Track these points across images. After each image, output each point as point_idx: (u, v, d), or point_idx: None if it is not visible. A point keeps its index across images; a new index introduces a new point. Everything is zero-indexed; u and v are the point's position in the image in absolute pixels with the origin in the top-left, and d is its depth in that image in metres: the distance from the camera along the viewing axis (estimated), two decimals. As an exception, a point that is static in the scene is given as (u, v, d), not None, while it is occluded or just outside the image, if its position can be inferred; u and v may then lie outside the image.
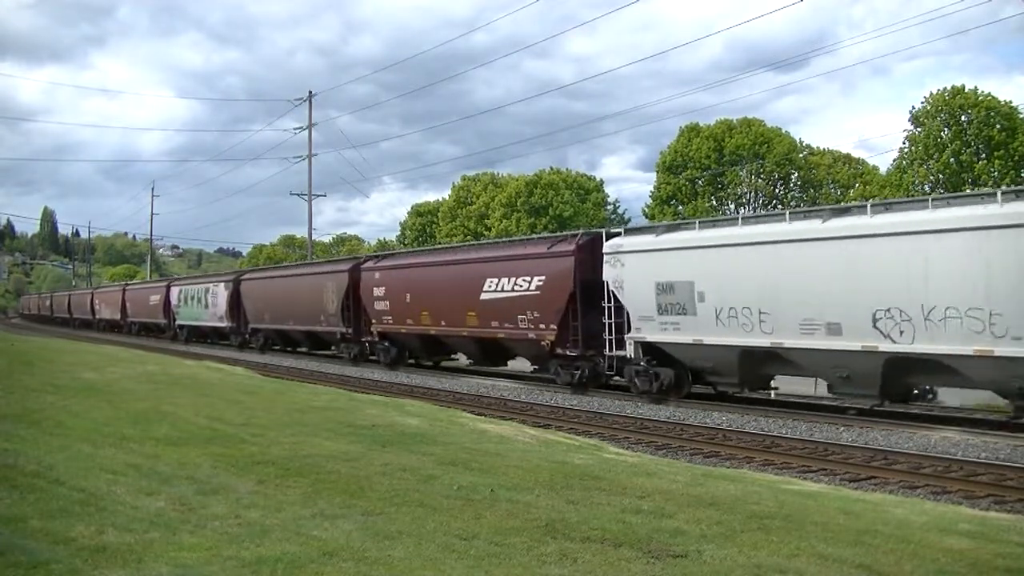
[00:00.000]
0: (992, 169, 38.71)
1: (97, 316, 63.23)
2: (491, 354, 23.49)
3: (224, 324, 39.64)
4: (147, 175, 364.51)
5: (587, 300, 19.00)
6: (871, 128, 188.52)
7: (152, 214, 79.39)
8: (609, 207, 62.95)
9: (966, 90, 40.47)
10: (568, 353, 19.64)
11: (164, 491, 6.95)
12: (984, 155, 39.48)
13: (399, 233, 73.68)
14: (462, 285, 22.73)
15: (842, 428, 14.35)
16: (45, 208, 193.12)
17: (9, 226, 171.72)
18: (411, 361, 28.09)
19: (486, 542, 5.71)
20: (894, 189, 40.61)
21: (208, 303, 41.26)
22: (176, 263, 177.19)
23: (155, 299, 49.87)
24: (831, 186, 51.85)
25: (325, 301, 29.77)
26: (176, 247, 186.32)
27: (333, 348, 31.80)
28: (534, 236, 29.69)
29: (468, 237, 56.15)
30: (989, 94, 40.18)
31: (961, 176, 39.59)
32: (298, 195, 48.55)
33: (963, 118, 40.27)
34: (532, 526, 6.18)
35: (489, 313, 21.69)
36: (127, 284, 63.21)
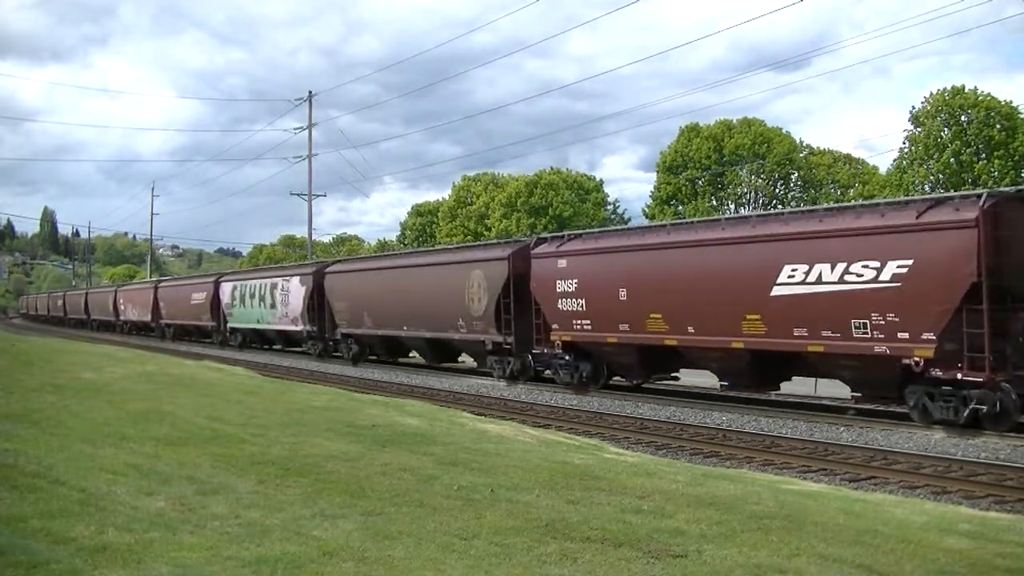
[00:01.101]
0: (992, 169, 38.73)
1: (122, 317, 56.07)
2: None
3: (299, 328, 31.93)
4: (148, 175, 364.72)
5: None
6: (872, 128, 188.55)
7: (152, 214, 79.38)
8: (609, 207, 63.03)
9: (966, 90, 40.51)
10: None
11: (164, 491, 6.95)
12: (984, 155, 39.50)
13: (399, 233, 73.74)
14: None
15: (842, 428, 14.35)
16: (45, 208, 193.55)
17: (9, 226, 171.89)
18: (616, 380, 20.49)
19: (486, 542, 5.71)
20: (894, 189, 40.65)
21: (275, 302, 33.57)
22: (176, 263, 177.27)
23: (199, 297, 42.23)
24: (831, 186, 51.88)
25: (468, 299, 22.45)
26: (176, 247, 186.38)
27: (475, 362, 24.87)
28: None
29: (468, 237, 56.18)
30: (989, 94, 40.27)
31: (961, 176, 39.61)
32: (298, 195, 48.58)
33: (963, 118, 40.31)
34: (532, 526, 6.18)
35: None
36: (160, 281, 54.91)
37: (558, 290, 19.57)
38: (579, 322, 19.15)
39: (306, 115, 47.41)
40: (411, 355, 28.60)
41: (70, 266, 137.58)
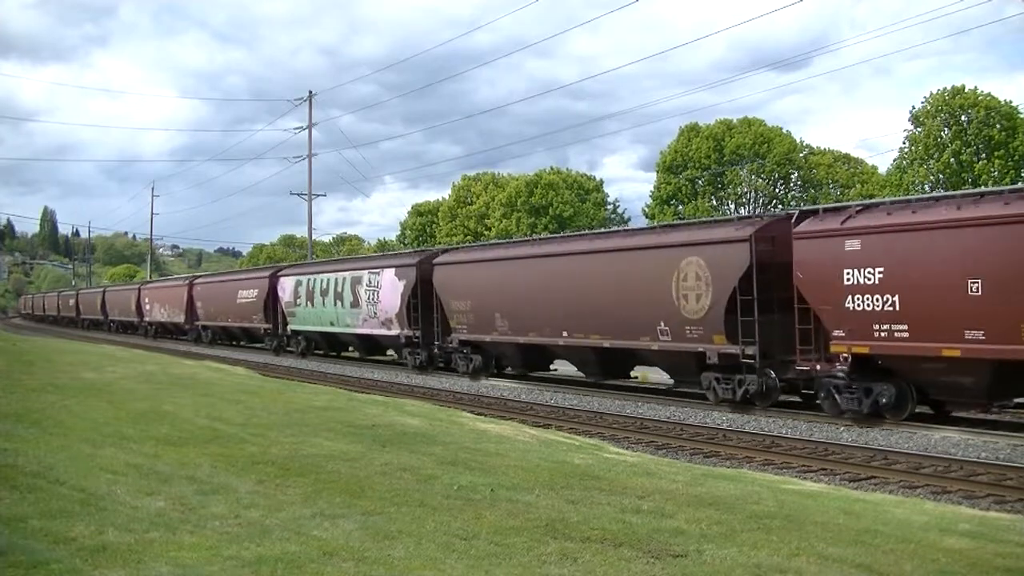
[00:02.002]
0: (992, 169, 38.73)
1: (146, 318, 50.05)
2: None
3: (392, 332, 25.96)
4: (149, 175, 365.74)
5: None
6: (872, 128, 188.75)
7: (152, 214, 79.32)
8: (609, 207, 63.05)
9: (966, 90, 40.50)
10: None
11: (164, 491, 6.95)
12: (984, 155, 39.50)
13: (399, 233, 73.73)
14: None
15: (842, 428, 14.34)
16: (45, 208, 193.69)
17: (9, 226, 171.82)
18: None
19: (486, 542, 5.71)
20: (894, 189, 40.67)
21: (359, 299, 27.53)
22: (176, 263, 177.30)
23: (249, 295, 35.71)
24: (831, 186, 51.88)
25: (676, 292, 16.66)
26: (176, 247, 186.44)
27: (670, 378, 18.93)
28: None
29: (468, 237, 56.20)
30: (989, 94, 40.27)
31: (961, 176, 39.62)
32: (298, 195, 48.52)
33: (963, 118, 40.32)
34: (532, 526, 6.18)
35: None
36: (198, 277, 48.41)
37: (858, 280, 13.80)
38: (895, 329, 13.44)
39: (306, 115, 47.42)
40: (553, 368, 22.72)
41: (70, 266, 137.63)
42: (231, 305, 37.64)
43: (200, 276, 49.72)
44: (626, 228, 25.70)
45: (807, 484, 9.59)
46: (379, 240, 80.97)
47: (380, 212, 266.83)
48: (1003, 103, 39.70)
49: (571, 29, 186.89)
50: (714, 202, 51.29)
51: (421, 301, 24.57)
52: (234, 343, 40.30)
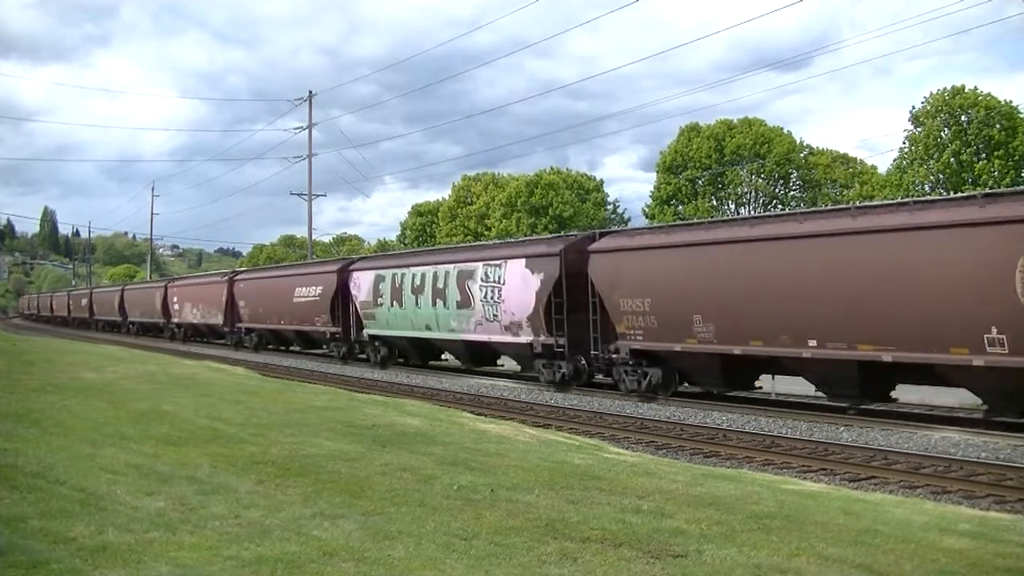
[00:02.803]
0: (992, 169, 38.73)
1: (174, 320, 44.78)
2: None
3: (523, 339, 20.82)
4: (149, 175, 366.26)
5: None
6: (873, 128, 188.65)
7: (152, 214, 79.28)
8: (609, 207, 63.07)
9: (966, 90, 40.48)
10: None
11: (164, 491, 6.95)
12: (984, 155, 39.49)
13: (399, 233, 73.73)
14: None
15: (842, 428, 14.34)
16: (45, 208, 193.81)
17: (9, 226, 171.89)
18: None
19: (486, 542, 5.71)
20: (894, 189, 40.65)
21: (472, 299, 22.32)
22: (176, 263, 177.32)
23: (310, 294, 30.47)
24: (830, 186, 51.90)
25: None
26: (176, 247, 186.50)
27: (983, 404, 14.11)
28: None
29: (468, 237, 56.22)
30: (989, 94, 40.25)
31: (961, 176, 39.62)
32: (298, 195, 48.49)
33: (963, 118, 40.30)
34: (532, 526, 6.18)
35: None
36: (238, 273, 40.96)
37: None
38: None
39: (307, 115, 47.41)
40: (757, 385, 18.10)
41: (70, 266, 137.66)
42: (285, 305, 32.14)
43: (243, 272, 41.80)
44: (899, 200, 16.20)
45: (807, 484, 9.59)
46: (379, 240, 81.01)
47: (380, 212, 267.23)
48: (1003, 103, 39.68)
49: (571, 29, 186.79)
50: (714, 202, 51.30)
51: (567, 300, 19.58)
52: (285, 348, 35.49)
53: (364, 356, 28.88)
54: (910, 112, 41.84)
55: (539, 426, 14.61)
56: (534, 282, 20.30)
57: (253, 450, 9.10)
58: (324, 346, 31.59)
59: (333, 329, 29.42)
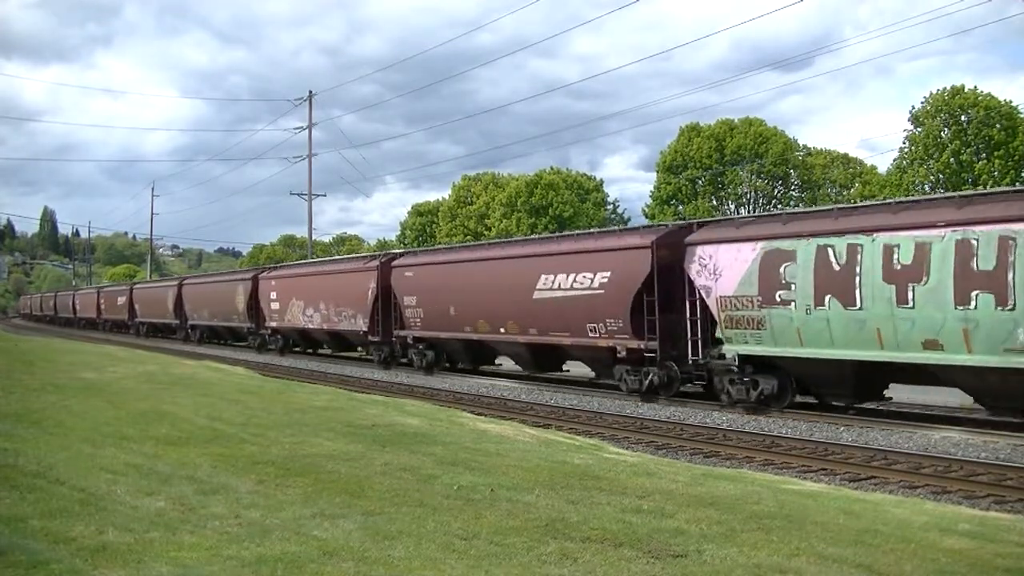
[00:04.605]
0: (992, 169, 38.74)
1: (271, 323, 33.20)
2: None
3: None
4: (150, 175, 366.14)
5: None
6: (874, 128, 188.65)
7: (152, 214, 79.26)
8: (609, 207, 63.09)
9: (966, 90, 40.50)
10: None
11: (164, 491, 6.95)
12: (984, 155, 39.50)
13: (399, 233, 73.73)
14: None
15: (842, 428, 14.34)
16: (45, 208, 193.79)
17: (9, 226, 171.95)
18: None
19: (486, 542, 5.71)
20: (894, 189, 40.65)
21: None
22: (176, 263, 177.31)
23: (589, 281, 18.53)
24: (829, 186, 51.92)
25: None
26: (176, 247, 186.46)
27: None
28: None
29: (468, 237, 56.21)
30: (988, 94, 40.29)
31: (961, 176, 39.63)
32: (298, 195, 48.48)
33: (963, 118, 40.31)
34: (532, 526, 6.18)
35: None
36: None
37: None
38: None
39: (308, 115, 47.37)
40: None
41: (70, 266, 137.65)
42: (524, 305, 20.23)
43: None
44: None
45: (807, 484, 9.59)
46: (379, 240, 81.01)
47: (381, 212, 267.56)
48: (1003, 103, 39.70)
49: (573, 28, 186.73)
50: (714, 202, 51.31)
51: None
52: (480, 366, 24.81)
53: (730, 392, 16.38)
54: (910, 112, 41.89)
55: (539, 426, 14.60)
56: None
57: (253, 450, 9.10)
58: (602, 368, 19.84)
59: (634, 344, 17.64)
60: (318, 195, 54.59)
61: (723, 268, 15.84)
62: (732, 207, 51.03)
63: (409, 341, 25.29)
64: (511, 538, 5.81)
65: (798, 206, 46.58)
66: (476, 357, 24.00)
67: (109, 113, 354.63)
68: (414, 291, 24.84)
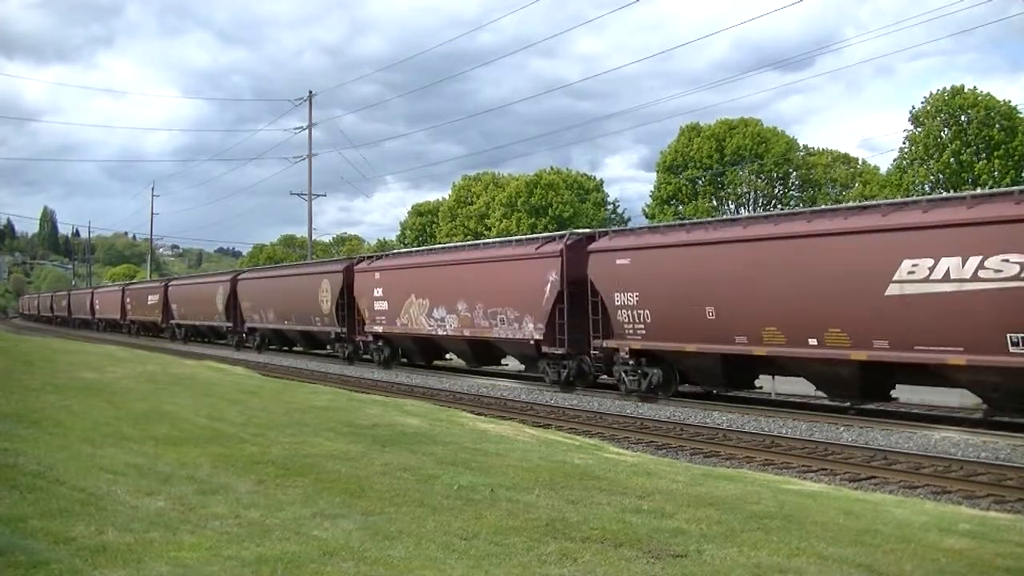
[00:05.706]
0: (992, 169, 38.73)
1: (376, 326, 26.67)
2: None
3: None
4: (151, 175, 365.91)
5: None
6: (875, 128, 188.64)
7: (152, 214, 79.24)
8: (609, 207, 63.06)
9: (965, 90, 40.49)
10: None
11: (164, 491, 6.95)
12: (984, 155, 39.50)
13: (399, 233, 73.71)
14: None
15: (842, 428, 14.35)
16: (45, 208, 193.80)
17: (9, 226, 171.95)
18: None
19: (486, 542, 5.71)
20: (894, 189, 40.65)
21: None
22: (176, 263, 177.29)
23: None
24: (830, 186, 51.90)
25: None
26: (176, 247, 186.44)
27: None
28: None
29: (468, 237, 56.20)
30: (988, 94, 40.28)
31: (961, 176, 39.63)
32: (298, 195, 48.46)
33: (963, 118, 40.30)
34: (532, 526, 6.17)
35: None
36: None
37: None
38: None
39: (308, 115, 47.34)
40: None
41: (70, 266, 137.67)
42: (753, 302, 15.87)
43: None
44: None
45: (807, 484, 9.59)
46: (379, 240, 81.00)
47: (382, 212, 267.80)
48: (1003, 103, 39.69)
49: (574, 28, 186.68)
50: (714, 202, 51.30)
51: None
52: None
53: None
54: (910, 112, 41.88)
55: (539, 426, 14.60)
56: None
57: (253, 450, 9.10)
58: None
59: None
60: (318, 195, 54.65)
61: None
62: (732, 207, 51.03)
63: (623, 355, 18.04)
64: (511, 538, 5.80)
65: (798, 206, 46.57)
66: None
67: (110, 113, 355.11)
68: (634, 286, 17.51)
